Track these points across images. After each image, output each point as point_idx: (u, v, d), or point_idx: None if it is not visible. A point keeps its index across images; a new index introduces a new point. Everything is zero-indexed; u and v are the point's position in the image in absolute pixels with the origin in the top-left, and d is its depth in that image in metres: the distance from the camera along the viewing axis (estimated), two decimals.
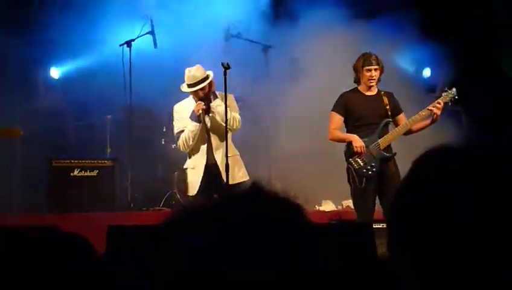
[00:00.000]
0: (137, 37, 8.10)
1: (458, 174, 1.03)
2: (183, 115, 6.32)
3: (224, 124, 6.13)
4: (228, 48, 8.31)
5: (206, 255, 0.94)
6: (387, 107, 6.19)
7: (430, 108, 6.05)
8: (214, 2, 8.40)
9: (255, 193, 1.02)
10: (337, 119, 6.25)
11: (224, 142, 6.18)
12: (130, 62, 8.01)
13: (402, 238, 1.04)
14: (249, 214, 0.98)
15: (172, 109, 6.54)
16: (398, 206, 1.07)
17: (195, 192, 6.36)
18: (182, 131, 6.31)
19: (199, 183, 6.33)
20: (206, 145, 6.34)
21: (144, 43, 8.11)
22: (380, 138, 6.13)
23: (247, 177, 6.45)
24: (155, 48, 7.78)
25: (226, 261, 0.93)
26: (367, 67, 6.13)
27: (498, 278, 0.97)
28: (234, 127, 6.32)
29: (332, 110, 6.27)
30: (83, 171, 8.01)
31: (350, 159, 6.16)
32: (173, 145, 7.91)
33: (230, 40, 7.47)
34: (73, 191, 7.89)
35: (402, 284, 1.04)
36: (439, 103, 6.03)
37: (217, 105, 6.20)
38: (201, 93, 6.20)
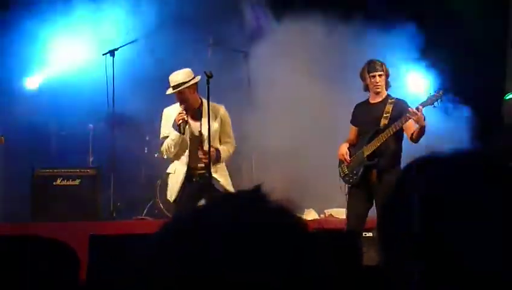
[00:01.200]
0: (120, 46, 8.09)
1: (444, 180, 1.04)
2: (170, 120, 6.25)
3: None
4: (211, 56, 8.34)
5: (206, 261, 0.93)
6: (387, 115, 6.10)
7: (407, 115, 5.91)
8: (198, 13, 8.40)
9: (256, 198, 1.02)
10: (351, 129, 6.35)
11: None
12: (113, 71, 7.99)
13: (392, 241, 1.04)
14: (249, 219, 0.98)
15: (162, 112, 6.49)
16: (387, 211, 1.07)
17: (174, 197, 6.30)
18: (166, 137, 6.26)
19: (178, 189, 6.27)
20: (187, 151, 6.28)
21: (126, 52, 8.09)
22: (366, 145, 6.10)
23: (230, 186, 6.41)
24: (138, 56, 7.77)
25: (227, 266, 0.93)
26: (372, 74, 6.12)
27: (487, 277, 0.97)
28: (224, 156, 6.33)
29: (351, 121, 6.38)
30: (66, 180, 7.96)
31: (338, 167, 6.22)
32: (156, 154, 7.90)
33: (213, 48, 7.49)
34: (56, 200, 7.85)
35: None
36: (417, 109, 5.89)
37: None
38: (179, 96, 6.12)
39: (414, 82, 9.15)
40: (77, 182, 8.01)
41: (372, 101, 6.21)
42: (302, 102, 8.16)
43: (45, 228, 6.80)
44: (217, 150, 6.21)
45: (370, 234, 6.03)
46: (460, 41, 8.91)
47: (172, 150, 6.21)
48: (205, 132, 6.13)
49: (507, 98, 8.23)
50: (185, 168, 6.26)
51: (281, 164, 8.12)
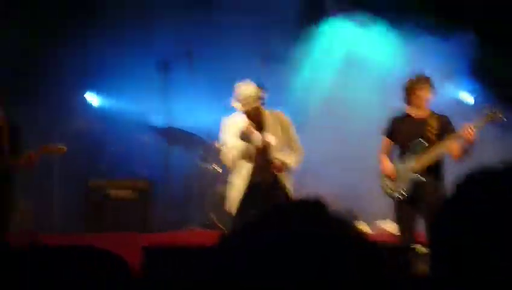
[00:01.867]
0: (174, 61, 8.16)
1: (500, 195, 1.02)
2: (231, 130, 6.22)
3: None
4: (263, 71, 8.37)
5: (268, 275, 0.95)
6: (432, 129, 5.98)
7: (460, 133, 5.79)
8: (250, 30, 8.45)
9: (318, 210, 1.02)
10: (385, 142, 6.17)
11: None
12: (167, 85, 8.07)
13: (445, 257, 1.03)
14: (309, 230, 0.98)
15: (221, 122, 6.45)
16: (441, 226, 1.06)
17: (233, 209, 6.24)
18: (228, 145, 6.20)
19: (239, 201, 6.21)
20: (250, 163, 6.23)
21: (181, 66, 8.17)
22: (413, 161, 5.96)
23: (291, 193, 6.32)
24: (191, 70, 7.84)
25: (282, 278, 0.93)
26: (421, 89, 6.01)
27: None
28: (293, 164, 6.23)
29: (382, 133, 6.20)
30: (119, 191, 8.07)
31: (382, 183, 6.12)
32: (212, 166, 7.93)
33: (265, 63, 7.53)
34: (109, 211, 7.96)
35: None
36: (470, 128, 5.74)
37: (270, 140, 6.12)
38: (252, 111, 6.02)
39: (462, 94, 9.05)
40: (130, 193, 8.11)
41: (416, 116, 6.07)
42: (355, 113, 8.10)
43: (98, 239, 6.88)
44: (283, 162, 6.14)
45: (421, 248, 5.97)
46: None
47: (238, 160, 6.16)
48: (270, 142, 6.10)
49: None
50: (247, 180, 6.20)
51: (331, 174, 8.08)
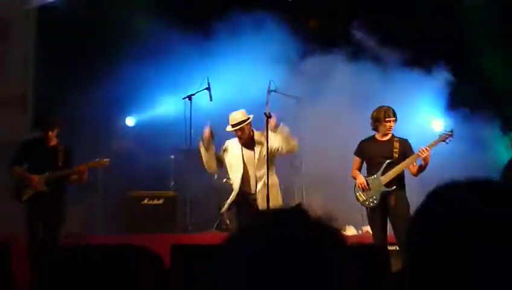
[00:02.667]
0: (196, 92, 8.18)
1: (463, 205, 1.01)
2: (227, 150, 6.26)
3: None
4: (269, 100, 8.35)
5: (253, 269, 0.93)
6: (396, 150, 6.01)
7: (418, 153, 5.86)
8: (258, 65, 8.47)
9: (300, 215, 1.01)
10: (356, 160, 6.20)
11: (262, 172, 6.05)
12: (191, 112, 8.08)
13: (419, 257, 1.02)
14: (291, 232, 0.96)
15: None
16: (412, 236, 1.06)
17: (224, 209, 6.28)
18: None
19: (229, 203, 6.20)
20: (241, 174, 6.15)
21: (202, 97, 8.18)
22: (382, 175, 6.00)
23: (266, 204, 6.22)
24: (210, 100, 7.83)
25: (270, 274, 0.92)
26: (387, 119, 6.02)
27: None
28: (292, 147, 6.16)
29: (354, 153, 6.22)
30: (152, 200, 8.08)
31: (356, 194, 6.11)
32: (224, 180, 7.91)
33: (271, 93, 7.49)
34: (144, 216, 7.95)
35: None
36: (426, 149, 5.84)
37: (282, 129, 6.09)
38: (239, 132, 6.08)
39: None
40: (160, 201, 8.11)
41: (380, 139, 6.07)
42: (342, 133, 8.08)
43: (136, 238, 6.87)
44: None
45: (393, 248, 5.95)
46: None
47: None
48: (257, 158, 6.10)
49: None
50: (237, 188, 6.17)
51: (327, 188, 8.05)
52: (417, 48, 8.74)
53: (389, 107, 6.08)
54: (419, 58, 8.62)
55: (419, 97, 8.49)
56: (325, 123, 8.31)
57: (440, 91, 8.75)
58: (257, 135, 6.15)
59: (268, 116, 6.07)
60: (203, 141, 6.16)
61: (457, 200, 1.03)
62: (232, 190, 6.27)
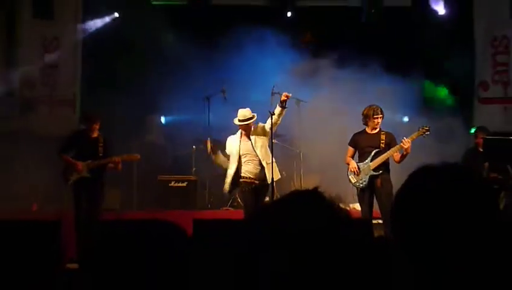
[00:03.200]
0: (214, 93, 8.18)
1: (436, 185, 1.02)
2: (228, 145, 6.33)
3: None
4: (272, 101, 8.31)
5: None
6: (382, 141, 6.06)
7: (400, 144, 5.91)
8: (266, 71, 8.42)
9: (315, 196, 0.99)
10: (349, 150, 6.24)
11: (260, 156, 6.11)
12: (208, 111, 8.08)
13: (401, 229, 1.02)
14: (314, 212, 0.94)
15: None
16: (398, 206, 1.05)
17: (226, 189, 6.30)
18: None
19: (229, 183, 6.23)
20: (237, 160, 6.17)
21: (218, 97, 8.16)
22: (371, 162, 6.03)
23: (279, 176, 6.29)
24: (225, 100, 7.80)
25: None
26: (375, 116, 6.03)
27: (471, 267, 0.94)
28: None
29: (348, 144, 6.24)
30: (177, 183, 8.10)
31: (348, 177, 6.12)
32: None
33: (275, 95, 7.47)
34: (171, 196, 7.98)
35: (397, 264, 1.02)
36: (407, 141, 5.88)
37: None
38: (244, 126, 6.16)
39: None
40: (184, 184, 8.13)
41: (369, 132, 6.12)
42: (332, 127, 8.02)
43: (164, 214, 6.90)
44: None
45: (376, 221, 5.99)
46: None
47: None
48: (255, 148, 6.12)
49: (471, 132, 7.85)
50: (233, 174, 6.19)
51: (321, 172, 8.05)
52: (395, 56, 8.70)
53: (377, 106, 6.10)
54: (397, 64, 8.57)
55: (395, 97, 8.41)
56: (319, 120, 8.28)
57: (413, 91, 8.69)
58: (254, 128, 6.20)
59: (272, 114, 6.08)
60: (208, 152, 6.21)
61: (431, 180, 1.03)
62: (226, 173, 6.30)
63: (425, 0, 8.82)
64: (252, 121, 6.15)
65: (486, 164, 6.94)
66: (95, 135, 6.33)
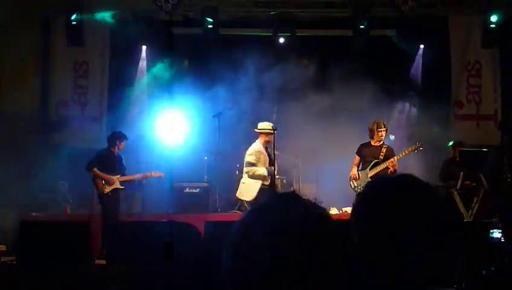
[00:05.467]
0: (223, 110, 8.26)
1: (390, 194, 1.07)
2: (257, 156, 6.47)
3: None
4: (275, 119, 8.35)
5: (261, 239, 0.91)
6: (382, 154, 6.20)
7: (387, 163, 6.09)
8: (263, 91, 8.41)
9: (293, 197, 0.97)
10: (356, 158, 6.46)
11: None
12: (219, 125, 8.16)
13: (361, 226, 1.09)
14: (290, 210, 0.93)
15: (247, 150, 6.72)
16: (359, 210, 1.13)
17: (251, 198, 6.50)
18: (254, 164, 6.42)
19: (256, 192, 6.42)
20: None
21: (227, 115, 8.22)
22: (369, 171, 6.15)
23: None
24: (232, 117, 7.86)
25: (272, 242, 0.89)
26: (379, 130, 6.18)
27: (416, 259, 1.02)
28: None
29: (355, 153, 6.46)
30: (191, 189, 8.14)
31: (349, 182, 6.27)
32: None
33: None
34: (186, 200, 8.03)
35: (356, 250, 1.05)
36: (394, 159, 6.10)
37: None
38: (267, 138, 6.37)
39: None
40: (197, 190, 8.17)
41: (373, 144, 6.26)
42: (327, 138, 7.97)
43: (180, 217, 6.94)
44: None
45: None
46: None
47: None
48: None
49: (449, 145, 7.88)
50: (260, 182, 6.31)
51: (317, 180, 8.08)
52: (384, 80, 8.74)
53: (380, 121, 6.29)
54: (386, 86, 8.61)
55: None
56: (315, 132, 8.30)
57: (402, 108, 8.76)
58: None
59: (275, 130, 6.23)
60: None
61: (389, 190, 1.09)
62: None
63: (408, 32, 8.82)
64: (273, 131, 6.37)
65: (462, 173, 7.00)
66: (115, 152, 6.62)
